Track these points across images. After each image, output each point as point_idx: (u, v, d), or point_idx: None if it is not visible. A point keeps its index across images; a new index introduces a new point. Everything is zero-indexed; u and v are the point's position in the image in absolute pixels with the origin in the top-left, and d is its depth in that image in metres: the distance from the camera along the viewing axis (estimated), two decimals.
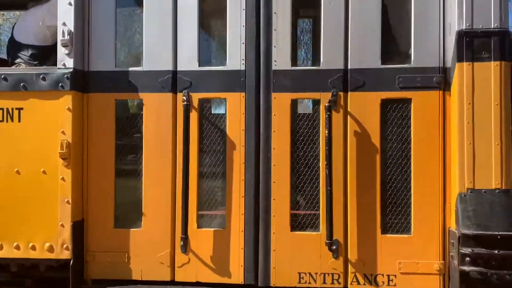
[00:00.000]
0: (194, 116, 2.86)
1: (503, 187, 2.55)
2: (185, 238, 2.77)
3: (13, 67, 3.25)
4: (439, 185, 2.72)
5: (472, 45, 2.59)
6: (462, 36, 2.59)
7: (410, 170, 2.74)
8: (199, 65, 2.89)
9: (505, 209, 2.53)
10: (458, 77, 2.61)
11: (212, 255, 2.84)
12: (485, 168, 2.56)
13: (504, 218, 2.51)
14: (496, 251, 2.48)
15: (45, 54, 3.40)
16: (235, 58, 2.86)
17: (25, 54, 3.31)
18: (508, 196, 2.56)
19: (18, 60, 3.34)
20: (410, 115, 2.75)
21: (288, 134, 2.81)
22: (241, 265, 2.82)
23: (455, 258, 2.57)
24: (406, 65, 2.77)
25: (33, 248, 2.82)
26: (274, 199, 2.81)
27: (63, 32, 2.81)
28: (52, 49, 3.47)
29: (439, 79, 2.72)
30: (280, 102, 2.82)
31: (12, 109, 2.86)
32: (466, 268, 2.51)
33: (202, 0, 2.89)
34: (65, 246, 2.80)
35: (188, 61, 2.89)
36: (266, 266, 2.81)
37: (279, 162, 2.81)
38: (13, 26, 3.57)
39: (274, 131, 2.82)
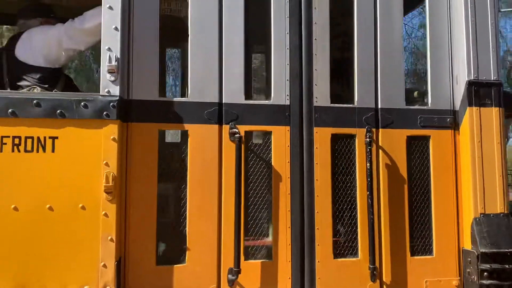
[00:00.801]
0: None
1: (505, 211, 3.08)
2: (238, 271, 2.74)
3: (25, 90, 2.93)
4: (454, 210, 3.15)
5: (479, 93, 3.12)
6: (471, 85, 3.11)
7: (431, 197, 3.14)
8: (245, 99, 2.95)
9: (508, 229, 3.06)
10: (469, 119, 3.11)
11: (260, 286, 2.85)
12: (492, 196, 3.07)
13: (509, 237, 3.03)
14: (507, 266, 2.97)
15: (54, 77, 3.14)
16: (280, 93, 2.99)
17: (33, 76, 3.02)
18: (508, 218, 3.10)
19: (24, 83, 3.02)
20: (429, 150, 3.17)
21: (329, 166, 3.01)
22: None
23: (473, 274, 3.00)
24: (425, 107, 3.21)
25: None
26: (318, 228, 2.95)
27: (109, 57, 2.65)
28: (60, 71, 3.23)
29: (451, 120, 3.20)
30: (322, 136, 3.01)
31: (45, 138, 2.56)
32: (485, 281, 2.94)
33: (248, 38, 2.98)
34: None
35: (234, 94, 2.93)
36: None
37: (321, 193, 2.98)
38: (9, 43, 3.20)
39: (316, 163, 2.99)
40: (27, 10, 3.35)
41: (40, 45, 3.05)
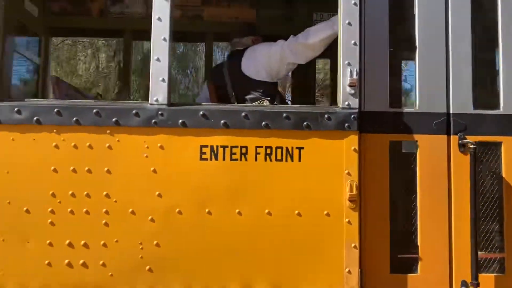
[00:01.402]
0: (468, 159, 2.84)
1: None
2: (476, 284, 2.71)
3: (255, 103, 3.16)
4: None
5: None
6: None
7: None
8: (474, 108, 2.91)
9: None
10: None
11: None
12: None
13: None
14: None
15: (274, 90, 3.36)
16: (511, 102, 2.90)
17: (258, 90, 3.25)
18: None
19: (250, 96, 3.27)
20: None
21: None
22: None
23: None
24: None
25: None
26: None
27: (350, 72, 2.77)
28: (275, 85, 3.42)
29: None
30: None
31: (292, 148, 2.75)
32: None
33: (475, 46, 2.94)
34: None
35: (462, 104, 2.90)
36: None
37: None
38: (232, 60, 3.49)
39: None
40: (241, 30, 3.65)
41: (263, 60, 3.29)
